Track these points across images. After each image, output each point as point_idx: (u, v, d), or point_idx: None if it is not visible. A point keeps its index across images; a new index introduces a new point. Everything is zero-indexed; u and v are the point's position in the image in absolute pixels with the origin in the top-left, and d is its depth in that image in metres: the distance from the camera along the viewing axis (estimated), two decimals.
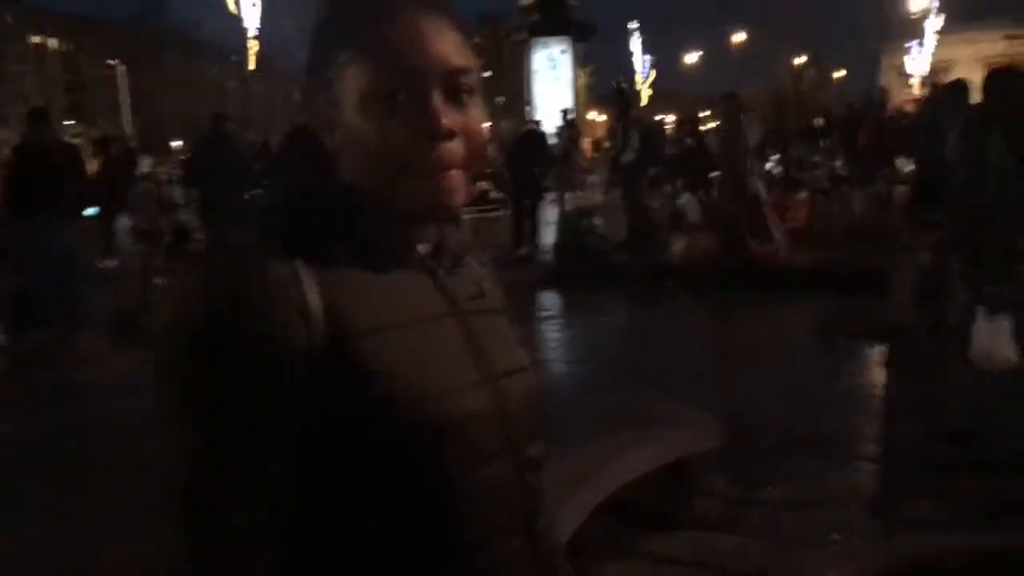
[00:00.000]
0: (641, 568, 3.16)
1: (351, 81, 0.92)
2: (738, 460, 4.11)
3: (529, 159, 11.48)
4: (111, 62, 55.60)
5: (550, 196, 12.74)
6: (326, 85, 0.95)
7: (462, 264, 1.04)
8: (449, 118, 0.92)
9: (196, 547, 0.85)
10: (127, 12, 62.17)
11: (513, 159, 11.89)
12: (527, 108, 25.01)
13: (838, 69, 56.28)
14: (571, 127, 16.24)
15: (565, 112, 17.13)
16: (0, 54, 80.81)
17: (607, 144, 19.95)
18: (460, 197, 0.95)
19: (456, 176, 0.93)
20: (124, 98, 49.85)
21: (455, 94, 0.93)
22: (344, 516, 0.89)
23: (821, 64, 52.65)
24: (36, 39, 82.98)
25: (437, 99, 0.91)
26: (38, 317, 7.32)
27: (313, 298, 0.87)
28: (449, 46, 0.93)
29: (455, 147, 0.93)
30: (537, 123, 14.25)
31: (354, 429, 0.87)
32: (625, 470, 2.96)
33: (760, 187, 9.97)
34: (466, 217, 1.06)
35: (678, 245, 9.98)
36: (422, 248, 0.98)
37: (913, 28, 41.52)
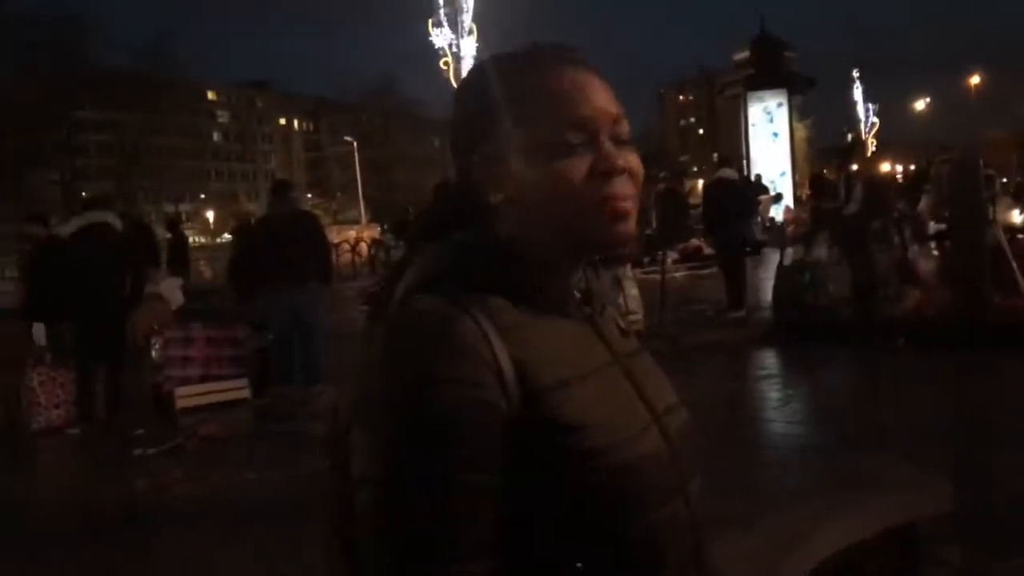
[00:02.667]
0: None
1: (522, 136, 0.97)
2: (975, 530, 3.79)
3: (725, 211, 10.82)
4: (347, 139, 60.03)
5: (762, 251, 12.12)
6: (485, 143, 0.99)
7: (604, 307, 1.09)
8: (620, 158, 0.98)
9: None
10: (359, 93, 66.96)
11: (708, 211, 11.34)
12: (743, 163, 24.57)
13: None
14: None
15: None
16: (250, 135, 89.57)
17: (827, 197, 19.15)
18: (633, 225, 0.99)
19: (630, 206, 0.98)
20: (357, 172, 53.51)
21: (616, 140, 0.99)
22: (535, 567, 0.91)
23: None
24: (282, 120, 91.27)
25: (608, 143, 0.98)
26: (281, 376, 7.95)
27: (503, 355, 0.89)
28: (609, 97, 1.00)
29: (627, 182, 0.98)
30: (736, 174, 12.79)
31: (547, 482, 0.89)
32: (844, 532, 2.79)
33: (1001, 236, 9.25)
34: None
35: (909, 300, 9.41)
36: (578, 295, 1.04)
37: None
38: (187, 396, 7.62)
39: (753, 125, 25.98)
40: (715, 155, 43.81)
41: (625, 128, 1.01)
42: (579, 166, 0.95)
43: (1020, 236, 10.57)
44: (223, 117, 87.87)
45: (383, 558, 0.87)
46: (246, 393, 7.85)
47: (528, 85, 0.98)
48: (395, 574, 0.86)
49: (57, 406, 7.38)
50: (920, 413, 6.37)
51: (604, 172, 0.96)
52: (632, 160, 0.99)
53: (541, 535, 0.90)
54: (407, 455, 0.86)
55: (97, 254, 6.99)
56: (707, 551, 1.02)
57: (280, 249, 7.66)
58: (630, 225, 0.99)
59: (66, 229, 7.33)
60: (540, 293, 0.98)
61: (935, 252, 11.16)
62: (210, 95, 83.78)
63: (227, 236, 67.47)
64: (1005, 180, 16.65)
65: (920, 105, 57.53)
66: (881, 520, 3.14)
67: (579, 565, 0.90)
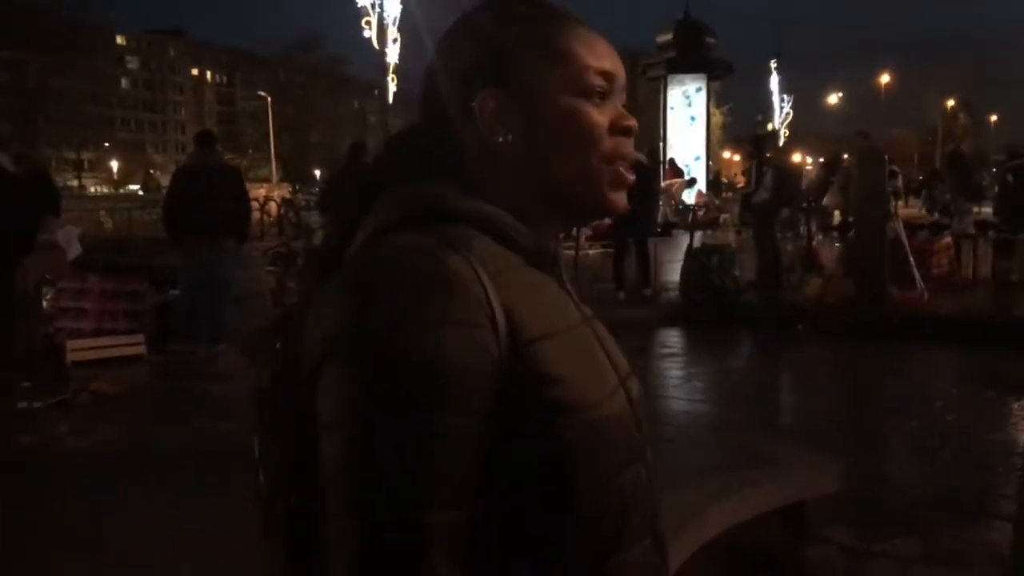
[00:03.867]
0: None
1: (554, 73, 0.95)
2: (861, 511, 3.93)
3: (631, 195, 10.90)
4: (261, 94, 58.59)
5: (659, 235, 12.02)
6: (512, 78, 0.95)
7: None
8: (633, 120, 0.99)
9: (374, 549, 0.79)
10: (279, 47, 65.29)
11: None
12: (660, 145, 24.86)
13: (990, 113, 53.81)
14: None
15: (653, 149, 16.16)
16: (161, 84, 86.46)
17: (740, 183, 19.60)
18: (621, 207, 1.00)
19: (629, 179, 0.99)
20: (271, 129, 52.39)
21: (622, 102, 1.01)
22: (498, 522, 0.87)
23: (973, 107, 50.49)
24: (195, 71, 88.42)
25: (620, 102, 1.00)
26: (184, 332, 7.74)
27: (495, 300, 0.85)
28: (619, 61, 1.01)
29: (631, 145, 0.99)
30: (646, 157, 11.74)
31: (522, 436, 0.85)
32: (735, 509, 2.84)
33: (901, 230, 9.59)
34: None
35: (811, 288, 9.69)
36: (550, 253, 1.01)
37: None
38: (79, 349, 7.33)
39: (672, 108, 26.26)
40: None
41: (625, 98, 1.01)
42: (603, 115, 0.96)
43: (919, 231, 10.99)
44: (132, 63, 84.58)
45: (358, 508, 0.79)
46: (142, 349, 7.60)
47: (552, 30, 0.97)
48: (371, 525, 0.79)
49: None
50: (816, 397, 6.59)
51: (623, 129, 0.97)
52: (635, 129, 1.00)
53: (513, 493, 0.86)
54: (393, 399, 0.80)
55: None
56: (660, 518, 1.01)
57: (198, 202, 7.43)
58: (623, 198, 0.99)
59: None
60: (522, 243, 0.95)
61: (838, 243, 11.51)
62: (119, 40, 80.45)
63: (131, 187, 65.34)
64: (921, 178, 17.28)
65: (833, 99, 59.12)
66: (772, 499, 3.21)
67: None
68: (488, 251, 0.90)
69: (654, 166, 13.04)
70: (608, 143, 0.96)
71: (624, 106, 1.01)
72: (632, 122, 0.99)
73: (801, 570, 3.43)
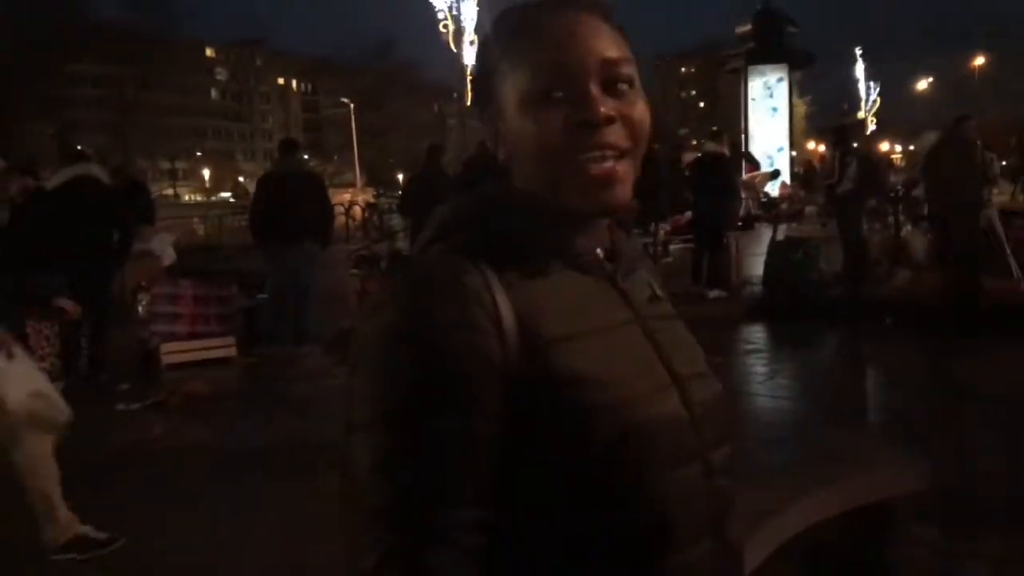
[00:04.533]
0: None
1: (512, 87, 0.95)
2: (951, 510, 3.81)
3: (706, 187, 10.40)
4: (344, 100, 59.63)
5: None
6: (491, 98, 0.98)
7: (635, 269, 1.06)
8: (607, 105, 0.92)
9: (398, 554, 0.81)
10: (358, 53, 66.45)
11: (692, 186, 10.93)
12: (742, 138, 24.46)
13: None
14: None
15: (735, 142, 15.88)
16: (248, 94, 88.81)
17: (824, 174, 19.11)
18: (625, 189, 0.94)
19: (617, 166, 0.93)
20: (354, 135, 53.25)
21: (612, 85, 0.94)
22: (534, 526, 0.89)
23: None
24: (280, 80, 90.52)
25: (594, 89, 0.92)
26: (271, 334, 7.96)
27: (505, 306, 0.88)
28: (603, 40, 0.94)
29: (616, 133, 0.93)
30: (723, 148, 11.52)
31: (548, 438, 0.87)
32: (817, 507, 2.79)
33: (995, 219, 9.24)
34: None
35: (900, 280, 9.41)
36: (600, 253, 1.00)
37: None
38: (173, 352, 7.59)
39: (753, 99, 25.80)
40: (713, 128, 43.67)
41: (626, 73, 0.94)
42: (555, 115, 0.91)
43: (1015, 219, 10.56)
44: (221, 75, 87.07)
45: (369, 503, 0.83)
46: (233, 351, 7.83)
47: (524, 35, 0.95)
48: (380, 522, 0.82)
49: (42, 359, 7.34)
50: (904, 393, 6.40)
51: (580, 122, 0.91)
52: (628, 107, 0.94)
53: (533, 495, 0.88)
54: (396, 399, 0.85)
55: (82, 207, 6.92)
56: (729, 524, 0.99)
57: (282, 208, 7.66)
58: (616, 191, 0.93)
59: (52, 182, 7.24)
60: (553, 247, 0.96)
61: (928, 234, 11.14)
62: (208, 52, 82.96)
63: (223, 194, 67.30)
64: (1005, 163, 16.63)
65: (922, 85, 57.23)
66: (855, 497, 3.14)
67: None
68: (511, 259, 0.92)
69: (735, 159, 12.82)
70: (567, 142, 0.91)
71: (619, 85, 0.94)
72: (589, 113, 0.91)
73: (886, 570, 3.35)
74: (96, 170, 7.35)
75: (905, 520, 3.53)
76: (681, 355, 1.00)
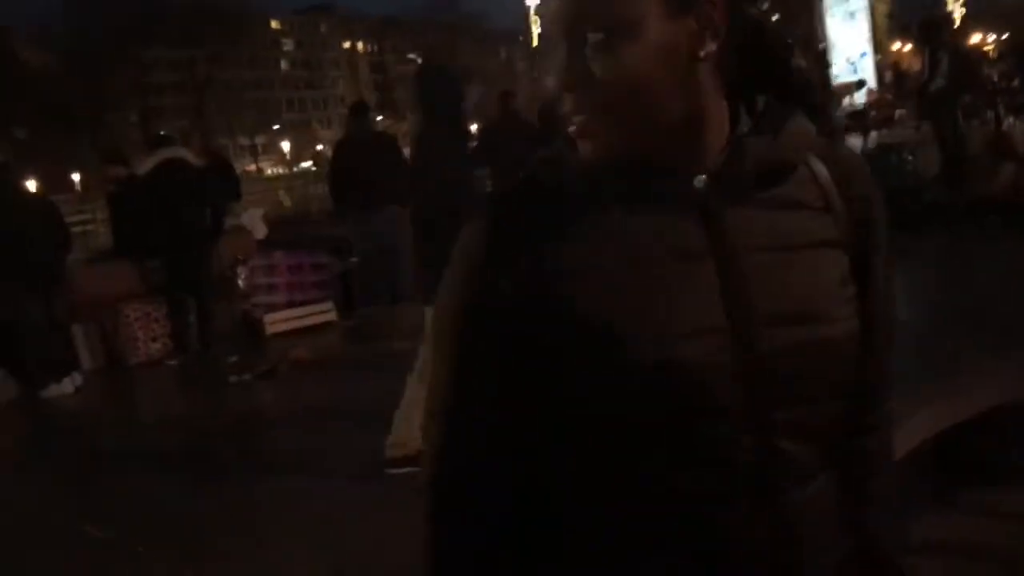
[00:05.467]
0: (962, 521, 2.90)
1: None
2: None
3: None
4: (411, 56, 59.65)
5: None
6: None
7: (780, 182, 0.93)
8: (567, 71, 0.92)
9: (442, 454, 0.97)
10: (421, 9, 66.22)
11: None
12: (821, 46, 23.54)
13: None
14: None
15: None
16: (317, 61, 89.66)
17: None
18: (606, 142, 0.90)
19: (588, 122, 0.91)
20: None
21: (582, 39, 0.90)
22: (554, 467, 0.92)
23: None
24: (347, 44, 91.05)
25: (561, 46, 0.91)
26: (367, 296, 8.10)
27: (546, 248, 0.89)
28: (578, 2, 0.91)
29: (574, 102, 0.92)
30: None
31: (575, 379, 0.88)
32: (942, 415, 2.72)
33: None
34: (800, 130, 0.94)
35: (1004, 176, 8.97)
36: (698, 182, 0.90)
37: None
38: (276, 322, 7.81)
39: (828, 6, 24.79)
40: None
41: (601, 22, 0.86)
42: (545, 71, 0.96)
43: None
44: (288, 45, 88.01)
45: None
46: (332, 316, 8.01)
47: None
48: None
49: (155, 340, 7.66)
50: (1017, 295, 6.12)
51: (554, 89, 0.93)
52: (590, 68, 0.87)
53: (556, 433, 0.91)
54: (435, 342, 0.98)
55: (174, 190, 7.10)
56: (787, 492, 0.89)
57: (358, 172, 7.72)
58: (592, 145, 0.90)
59: (143, 167, 7.45)
60: (616, 187, 0.91)
61: None
62: (273, 24, 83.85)
63: (304, 164, 68.52)
64: None
65: None
66: (978, 404, 3.05)
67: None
68: (569, 202, 0.92)
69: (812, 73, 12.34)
70: (559, 104, 0.94)
71: (603, 34, 0.86)
72: (551, 79, 0.93)
73: (1012, 474, 3.25)
74: (183, 152, 7.52)
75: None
76: (781, 294, 0.89)
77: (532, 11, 24.29)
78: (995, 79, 11.66)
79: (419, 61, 52.15)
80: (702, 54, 0.88)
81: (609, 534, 0.91)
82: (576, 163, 0.92)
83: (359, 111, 8.48)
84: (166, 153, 7.28)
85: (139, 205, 7.24)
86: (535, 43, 25.42)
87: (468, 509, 0.94)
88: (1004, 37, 30.11)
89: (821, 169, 0.95)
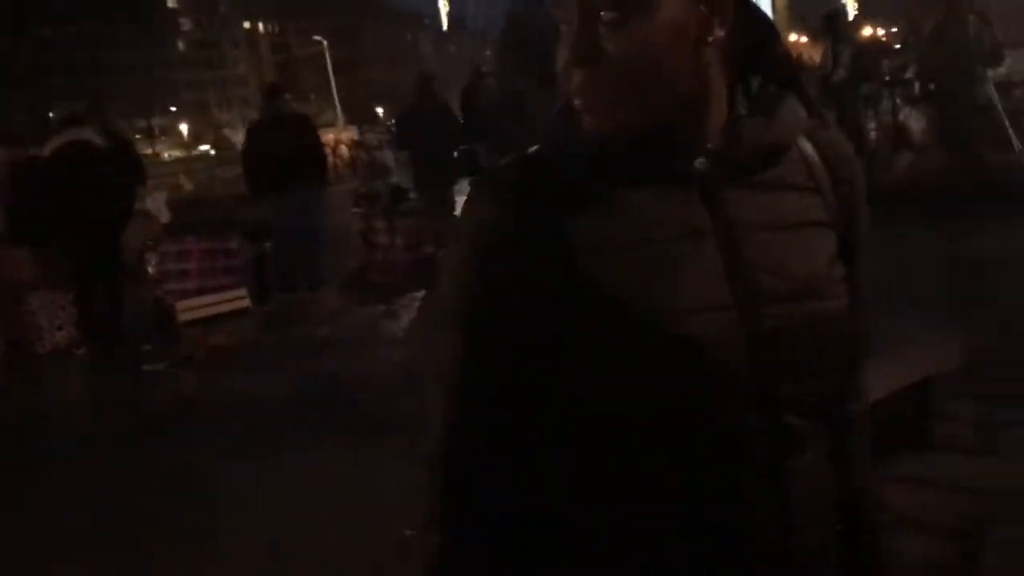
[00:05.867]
0: (885, 488, 3.05)
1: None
2: (985, 383, 3.87)
3: None
4: (316, 38, 58.56)
5: None
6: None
7: (776, 163, 0.96)
8: (580, 46, 0.92)
9: (446, 435, 0.96)
10: None
11: None
12: None
13: None
14: None
15: None
16: (215, 41, 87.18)
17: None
18: (612, 117, 0.92)
19: (596, 98, 0.92)
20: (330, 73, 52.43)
21: (596, 16, 0.92)
22: (555, 466, 0.93)
23: None
24: (247, 24, 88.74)
25: (574, 24, 0.92)
26: (283, 281, 7.96)
27: (551, 225, 0.90)
28: None
29: (584, 77, 0.93)
30: None
31: (578, 350, 0.89)
32: (872, 389, 2.84)
33: (993, 93, 9.16)
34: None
35: (902, 164, 9.38)
36: (700, 162, 0.92)
37: None
38: (188, 309, 7.61)
39: None
40: None
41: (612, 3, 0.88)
42: (562, 54, 0.93)
43: (1015, 90, 10.50)
44: (186, 25, 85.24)
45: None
46: (246, 302, 7.85)
47: None
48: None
49: (60, 328, 7.37)
50: (922, 273, 6.43)
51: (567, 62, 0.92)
52: (604, 41, 0.89)
53: (565, 409, 0.92)
54: (459, 304, 0.97)
55: (80, 173, 6.83)
56: (797, 462, 0.93)
57: (274, 155, 7.59)
58: (598, 119, 0.92)
59: (46, 149, 7.12)
60: (621, 162, 0.93)
61: (924, 114, 11.06)
62: (170, 3, 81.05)
63: (203, 147, 66.65)
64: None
65: None
66: (896, 379, 3.19)
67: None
68: (571, 177, 0.93)
69: None
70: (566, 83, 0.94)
71: (607, 14, 0.89)
72: (562, 57, 0.93)
73: (931, 445, 3.43)
74: (89, 133, 7.22)
75: (940, 396, 3.59)
76: (779, 273, 0.92)
77: None
78: (889, 70, 12.10)
79: (324, 43, 51.24)
80: (710, 39, 0.91)
81: (610, 533, 0.92)
82: (581, 138, 0.94)
83: (273, 93, 8.32)
84: (71, 135, 6.99)
85: (40, 188, 6.94)
86: (444, 26, 25.19)
87: (470, 509, 0.95)
88: (895, 30, 31.28)
89: (810, 151, 0.99)
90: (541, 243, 0.90)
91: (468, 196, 0.98)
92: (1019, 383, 3.96)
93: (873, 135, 10.15)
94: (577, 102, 0.93)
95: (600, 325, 0.88)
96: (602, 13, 0.88)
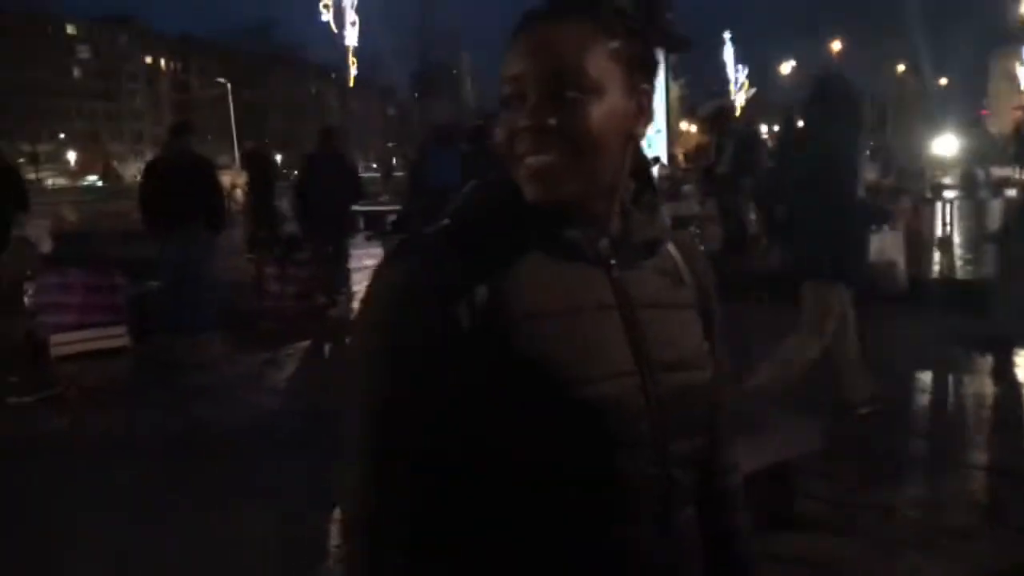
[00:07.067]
0: None
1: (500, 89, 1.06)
2: (842, 466, 4.13)
3: None
4: (220, 80, 57.71)
5: None
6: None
7: (653, 254, 1.12)
8: (546, 115, 0.99)
9: (362, 479, 1.03)
10: (231, 32, 64.36)
11: None
12: None
13: (939, 77, 54.40)
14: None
15: None
16: (113, 73, 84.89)
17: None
18: (560, 186, 1.01)
19: (551, 165, 1.00)
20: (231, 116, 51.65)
21: (561, 94, 1.00)
22: (481, 489, 1.02)
23: (921, 72, 50.96)
24: (148, 59, 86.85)
25: (535, 99, 1.00)
26: (163, 322, 7.77)
27: (479, 290, 0.98)
28: (563, 52, 1.00)
29: (550, 138, 1.00)
30: None
31: (505, 408, 0.99)
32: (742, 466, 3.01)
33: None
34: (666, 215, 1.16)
35: (776, 254, 9.89)
36: (603, 243, 1.06)
37: None
38: (63, 344, 7.36)
39: None
40: None
41: (580, 82, 0.99)
42: (507, 124, 1.02)
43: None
44: (84, 53, 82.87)
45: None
46: (125, 340, 7.64)
47: (510, 45, 1.05)
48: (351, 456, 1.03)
49: None
50: None
51: (520, 128, 1.00)
52: (568, 116, 0.99)
53: (498, 462, 1.01)
54: (375, 358, 1.04)
55: None
56: (680, 514, 1.08)
57: (172, 193, 7.46)
58: (544, 187, 1.00)
59: None
60: (535, 234, 1.04)
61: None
62: (69, 29, 78.77)
63: (90, 178, 64.22)
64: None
65: (786, 68, 59.51)
66: (758, 460, 3.39)
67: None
68: (492, 244, 1.02)
69: None
70: (517, 145, 1.01)
71: (563, 94, 0.99)
72: (524, 120, 1.00)
73: (791, 525, 3.60)
74: None
75: (801, 478, 3.80)
76: (667, 344, 1.06)
77: (351, 51, 24.28)
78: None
79: (228, 85, 50.56)
80: (635, 133, 1.07)
81: (524, 566, 1.03)
82: (503, 209, 1.05)
83: (180, 130, 8.21)
84: None
85: None
86: (351, 83, 25.34)
87: (386, 548, 1.02)
88: (776, 128, 33.07)
89: (674, 249, 1.18)
90: (460, 304, 0.99)
91: (390, 254, 1.06)
92: (876, 469, 4.24)
93: (751, 226, 10.67)
94: (524, 172, 1.01)
95: (515, 384, 0.99)
96: (567, 93, 0.99)
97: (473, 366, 0.99)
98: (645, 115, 1.07)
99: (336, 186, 8.69)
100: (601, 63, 1.01)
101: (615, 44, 1.03)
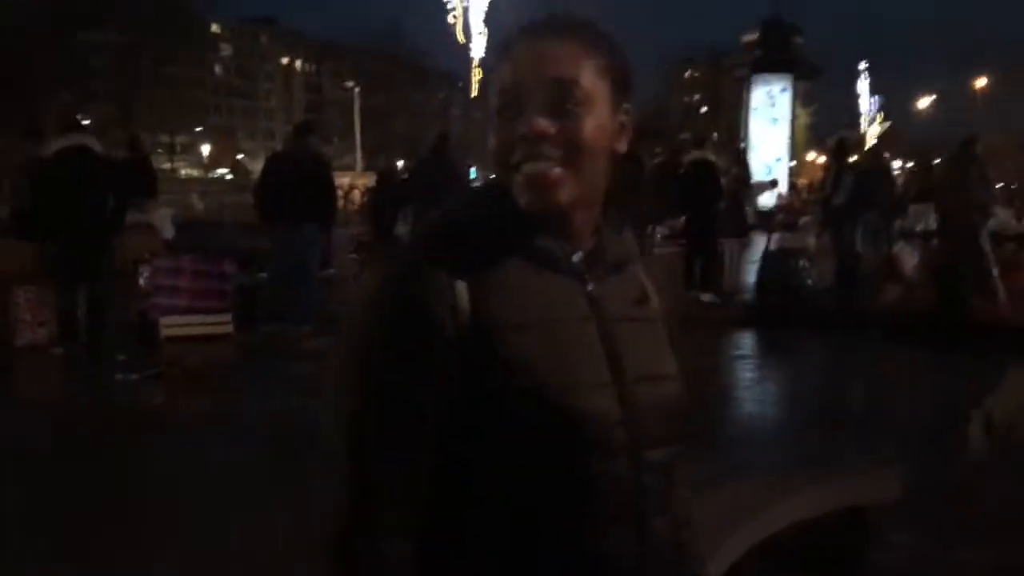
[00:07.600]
0: None
1: (490, 103, 1.08)
2: (930, 518, 3.93)
3: (696, 194, 10.31)
4: (348, 84, 59.43)
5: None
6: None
7: (621, 272, 1.15)
8: (546, 124, 1.03)
9: (354, 490, 1.03)
10: (367, 38, 66.19)
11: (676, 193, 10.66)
12: (742, 146, 24.59)
13: None
14: (739, 163, 13.80)
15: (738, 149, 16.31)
16: (252, 72, 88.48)
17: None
18: (558, 192, 1.04)
19: (551, 173, 1.03)
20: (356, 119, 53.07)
21: (560, 105, 1.03)
22: (463, 494, 1.03)
23: None
24: (285, 60, 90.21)
25: (535, 109, 1.03)
26: (272, 313, 8.05)
27: (463, 297, 1.01)
28: (559, 65, 1.04)
29: (552, 146, 1.03)
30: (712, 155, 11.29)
31: (487, 414, 1.01)
32: (788, 511, 2.92)
33: (986, 241, 9.39)
34: (628, 234, 1.18)
35: (889, 294, 9.56)
36: (577, 257, 1.09)
37: None
38: (172, 326, 7.67)
39: (755, 109, 25.92)
40: (714, 134, 43.66)
41: (576, 95, 1.03)
42: (504, 133, 1.05)
43: (1007, 243, 10.73)
44: (226, 51, 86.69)
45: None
46: (230, 328, 7.91)
47: (500, 58, 1.09)
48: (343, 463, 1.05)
49: (42, 324, 7.45)
50: (887, 403, 6.53)
51: (519, 137, 1.03)
52: (568, 126, 1.03)
53: (467, 466, 1.02)
54: (362, 366, 1.05)
55: (74, 176, 6.95)
56: (658, 521, 1.09)
57: (287, 188, 7.75)
58: (548, 193, 1.03)
59: (47, 151, 7.27)
60: (517, 245, 1.06)
61: (918, 250, 11.27)
62: (214, 28, 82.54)
63: (220, 171, 67.07)
64: (1001, 185, 16.78)
65: (924, 103, 57.46)
66: (829, 501, 3.28)
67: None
68: (475, 253, 1.04)
69: (734, 168, 12.94)
70: (508, 156, 1.04)
71: (563, 105, 1.03)
72: (525, 127, 1.02)
73: (864, 572, 3.48)
74: (89, 140, 7.37)
75: (883, 524, 3.65)
76: (639, 357, 1.10)
77: (476, 62, 24.67)
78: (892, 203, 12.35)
79: (356, 89, 52.05)
80: (618, 149, 1.10)
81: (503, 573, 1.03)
82: (492, 217, 1.07)
83: (304, 129, 8.54)
84: (71, 139, 7.13)
85: (39, 187, 7.09)
86: (474, 92, 25.75)
87: (372, 557, 1.03)
88: (910, 165, 31.91)
89: (641, 268, 1.21)
90: (444, 311, 1.00)
91: (375, 262, 1.10)
92: (968, 526, 4.02)
93: (866, 262, 10.34)
94: (521, 180, 1.04)
95: (498, 393, 1.00)
96: (566, 106, 1.03)
97: (456, 373, 1.00)
98: (626, 133, 1.11)
99: (443, 192, 8.82)
100: (592, 79, 1.05)
101: (603, 62, 1.07)
